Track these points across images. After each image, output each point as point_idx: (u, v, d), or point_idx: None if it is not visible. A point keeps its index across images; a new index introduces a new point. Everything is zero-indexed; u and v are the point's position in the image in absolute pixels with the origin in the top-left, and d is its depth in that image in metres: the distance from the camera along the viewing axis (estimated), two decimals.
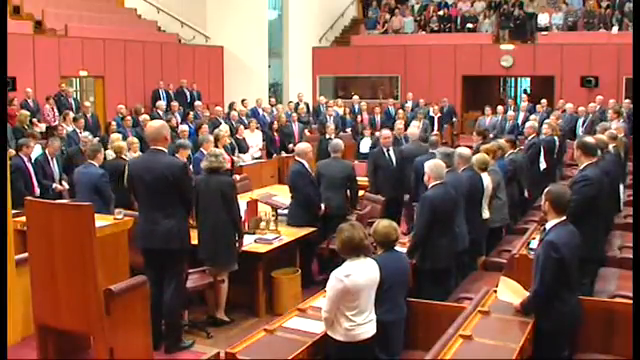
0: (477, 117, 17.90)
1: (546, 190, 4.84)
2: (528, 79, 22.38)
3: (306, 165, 7.94)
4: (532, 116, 14.47)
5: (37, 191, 9.35)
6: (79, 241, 5.13)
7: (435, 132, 16.74)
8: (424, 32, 21.62)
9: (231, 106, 16.45)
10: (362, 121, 17.44)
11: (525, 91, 22.27)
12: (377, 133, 15.48)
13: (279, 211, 8.02)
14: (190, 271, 6.36)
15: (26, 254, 5.63)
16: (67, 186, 9.67)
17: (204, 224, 6.64)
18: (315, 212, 7.89)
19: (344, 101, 18.87)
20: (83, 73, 15.95)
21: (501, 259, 6.98)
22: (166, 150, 6.10)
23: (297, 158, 8.02)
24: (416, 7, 22.78)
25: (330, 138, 11.62)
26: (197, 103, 16.35)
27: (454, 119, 18.62)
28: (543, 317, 4.62)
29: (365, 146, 13.64)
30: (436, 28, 21.53)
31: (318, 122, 16.49)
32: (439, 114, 17.78)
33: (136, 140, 10.55)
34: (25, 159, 9.37)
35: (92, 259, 5.10)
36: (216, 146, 9.39)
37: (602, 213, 6.45)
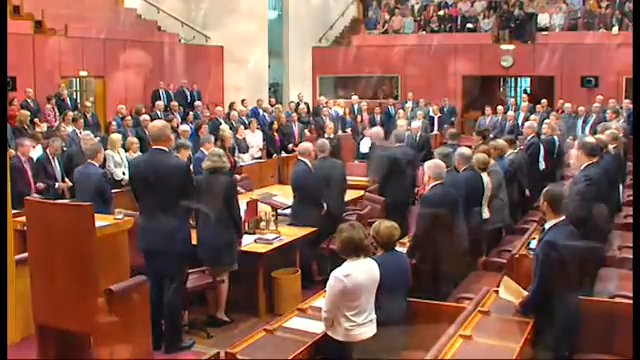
0: (477, 117, 17.91)
1: (544, 190, 4.85)
2: (528, 79, 22.39)
3: (309, 164, 7.95)
4: (532, 116, 14.47)
5: (34, 191, 9.35)
6: (79, 241, 5.13)
7: (435, 132, 16.84)
8: (424, 32, 21.61)
9: (231, 106, 16.46)
10: (362, 121, 17.45)
11: (525, 91, 22.28)
12: None
13: (279, 211, 8.02)
14: (190, 271, 6.36)
15: (26, 254, 5.63)
16: (70, 183, 9.66)
17: (205, 224, 6.64)
18: (319, 211, 7.90)
19: (344, 101, 18.87)
20: (83, 73, 15.95)
21: (501, 259, 6.98)
22: (168, 150, 6.11)
23: (300, 157, 8.02)
24: (416, 7, 22.78)
25: (330, 137, 11.65)
26: (197, 103, 16.35)
27: (454, 119, 18.63)
28: (543, 317, 4.63)
29: (365, 146, 13.64)
30: (436, 28, 21.53)
31: (315, 123, 16.51)
32: (439, 114, 17.78)
33: (136, 140, 10.55)
34: (23, 159, 9.37)
35: (92, 259, 5.10)
36: (222, 147, 9.40)
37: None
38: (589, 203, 6.04)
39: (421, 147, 12.32)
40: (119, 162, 10.30)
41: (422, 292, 5.86)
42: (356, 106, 18.37)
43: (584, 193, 6.01)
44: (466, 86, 20.43)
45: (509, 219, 8.31)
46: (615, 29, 19.02)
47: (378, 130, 11.09)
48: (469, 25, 21.10)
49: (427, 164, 6.52)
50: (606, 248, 6.81)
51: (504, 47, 19.94)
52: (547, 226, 4.75)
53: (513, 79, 22.89)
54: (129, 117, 13.31)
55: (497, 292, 5.10)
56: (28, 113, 12.64)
